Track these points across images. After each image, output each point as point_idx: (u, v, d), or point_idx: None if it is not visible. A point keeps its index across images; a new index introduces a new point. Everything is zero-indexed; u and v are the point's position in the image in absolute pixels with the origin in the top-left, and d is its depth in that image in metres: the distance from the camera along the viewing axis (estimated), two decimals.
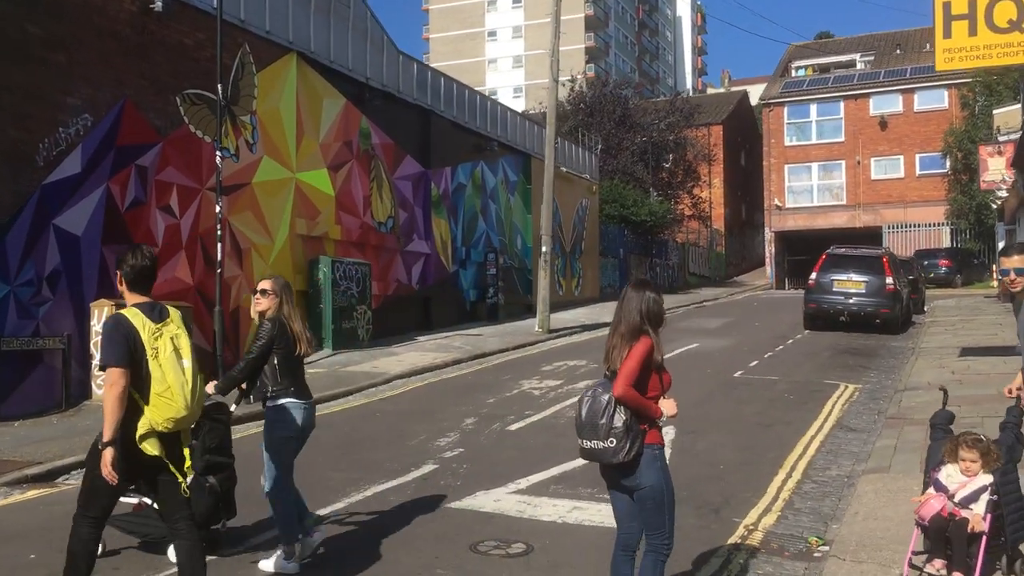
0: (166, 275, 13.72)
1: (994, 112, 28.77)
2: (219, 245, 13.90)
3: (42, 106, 11.86)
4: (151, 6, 13.43)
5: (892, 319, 20.20)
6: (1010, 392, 5.27)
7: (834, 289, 20.56)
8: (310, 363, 15.89)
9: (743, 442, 9.68)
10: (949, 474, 5.19)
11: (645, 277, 4.43)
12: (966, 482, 5.09)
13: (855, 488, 7.74)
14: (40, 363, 11.71)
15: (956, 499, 5.07)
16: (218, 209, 13.92)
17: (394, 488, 7.84)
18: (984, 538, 4.91)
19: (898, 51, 49.05)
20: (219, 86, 14.00)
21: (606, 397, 4.30)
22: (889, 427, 10.08)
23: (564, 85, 44.03)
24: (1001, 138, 26.01)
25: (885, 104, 45.54)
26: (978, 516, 4.97)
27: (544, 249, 21.42)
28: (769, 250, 47.90)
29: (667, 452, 9.16)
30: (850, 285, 20.46)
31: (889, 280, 20.12)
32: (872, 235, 44.58)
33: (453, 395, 13.04)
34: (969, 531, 4.95)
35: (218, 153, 13.98)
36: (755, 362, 15.71)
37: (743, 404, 11.88)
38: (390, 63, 20.12)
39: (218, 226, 13.89)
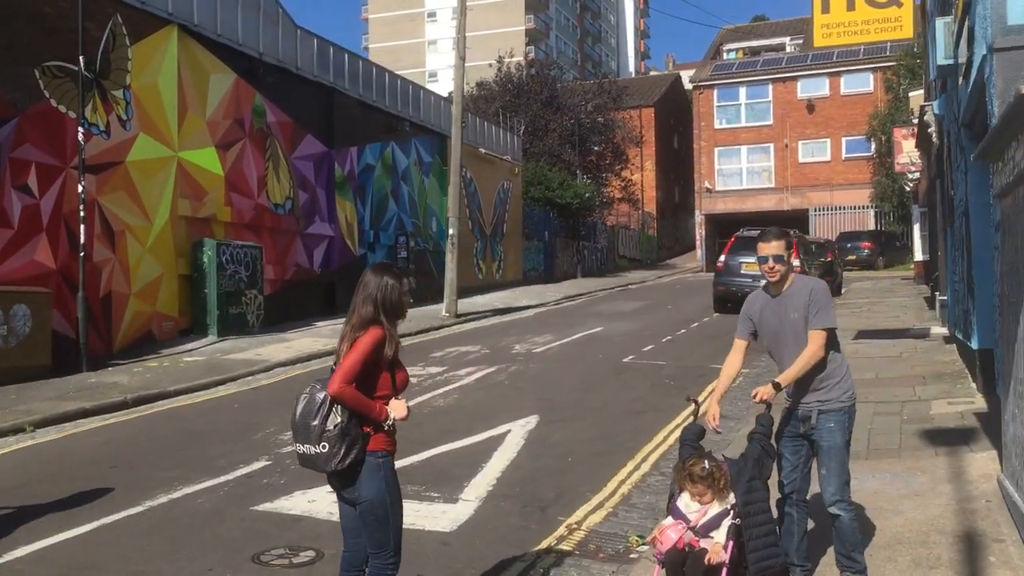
0: (23, 259, 12.93)
1: (910, 95, 28.82)
2: (82, 227, 13.11)
3: None
4: None
5: None
6: (757, 397, 4.56)
7: (742, 272, 20.37)
8: (190, 350, 15.29)
9: (604, 431, 9.29)
10: (687, 502, 4.54)
11: (388, 261, 3.85)
12: (705, 508, 4.47)
13: None
14: None
15: (696, 527, 4.45)
16: (80, 189, 13.12)
17: (209, 488, 7.28)
18: (724, 570, 4.28)
19: None
20: (80, 58, 13.17)
21: (322, 395, 3.80)
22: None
23: (491, 66, 43.54)
24: (914, 120, 26.06)
25: (812, 87, 45.73)
26: (718, 545, 4.35)
27: (451, 232, 20.87)
28: (699, 233, 47.91)
29: (520, 443, 8.91)
30: (757, 267, 20.25)
31: (796, 263, 19.94)
32: (799, 218, 44.85)
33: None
34: (707, 563, 4.30)
35: (80, 129, 13.17)
36: (651, 346, 15.40)
37: (622, 390, 11.50)
38: (287, 38, 19.35)
39: (81, 207, 13.09)
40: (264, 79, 18.59)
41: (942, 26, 9.76)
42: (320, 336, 17.10)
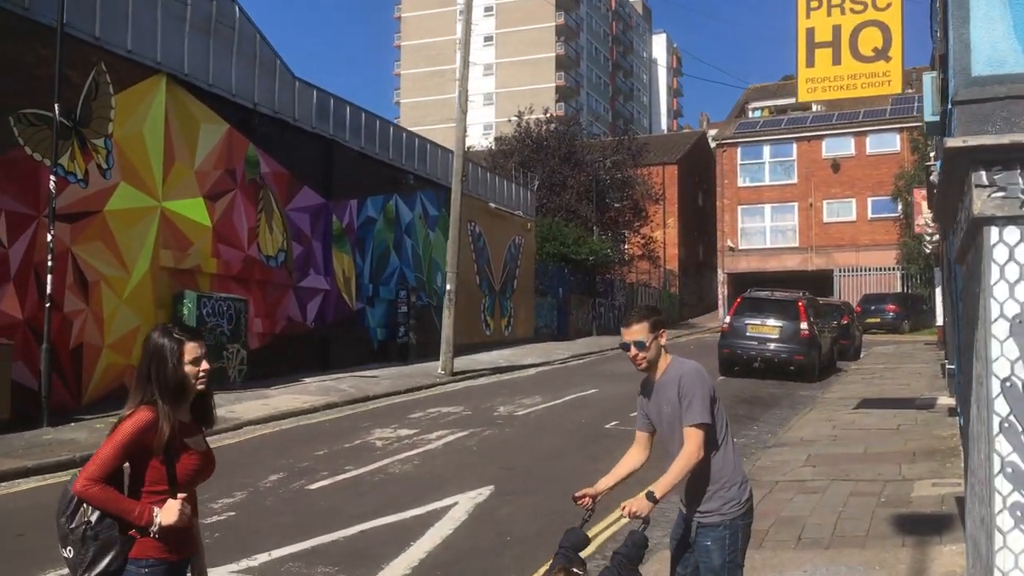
0: None
1: (931, 154, 28.20)
2: (49, 277, 12.76)
3: None
4: None
5: (807, 366, 19.27)
6: (626, 511, 3.81)
7: (748, 334, 19.65)
8: None
9: (557, 506, 8.56)
10: None
11: (168, 325, 3.13)
12: None
13: (644, 567, 6.67)
14: None
15: None
16: (49, 238, 12.79)
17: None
18: None
19: None
20: (55, 105, 12.91)
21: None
22: None
23: (509, 121, 43.48)
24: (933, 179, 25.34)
25: (838, 146, 45.12)
26: None
27: (448, 287, 20.39)
28: (722, 291, 47.08)
29: (462, 517, 8.25)
30: (765, 330, 19.56)
31: (804, 326, 19.23)
32: (824, 278, 43.95)
33: (289, 444, 11.91)
34: None
35: (52, 177, 12.89)
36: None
37: (591, 460, 10.76)
38: (284, 89, 19.18)
39: (49, 256, 12.75)
40: (259, 130, 18.38)
41: (928, 81, 9.20)
42: (304, 393, 16.59)
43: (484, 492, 9.04)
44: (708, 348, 27.74)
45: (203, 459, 3.35)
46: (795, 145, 46.12)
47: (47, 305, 12.71)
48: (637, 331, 4.02)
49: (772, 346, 19.39)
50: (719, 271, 47.84)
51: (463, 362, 22.65)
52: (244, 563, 6.73)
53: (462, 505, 8.52)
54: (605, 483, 4.21)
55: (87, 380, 14.27)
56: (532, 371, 22.33)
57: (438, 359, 21.60)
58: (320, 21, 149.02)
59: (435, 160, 25.71)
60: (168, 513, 3.14)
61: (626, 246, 44.53)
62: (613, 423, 13.39)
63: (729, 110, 55.15)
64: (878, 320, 36.12)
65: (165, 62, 15.91)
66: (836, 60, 10.41)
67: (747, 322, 19.71)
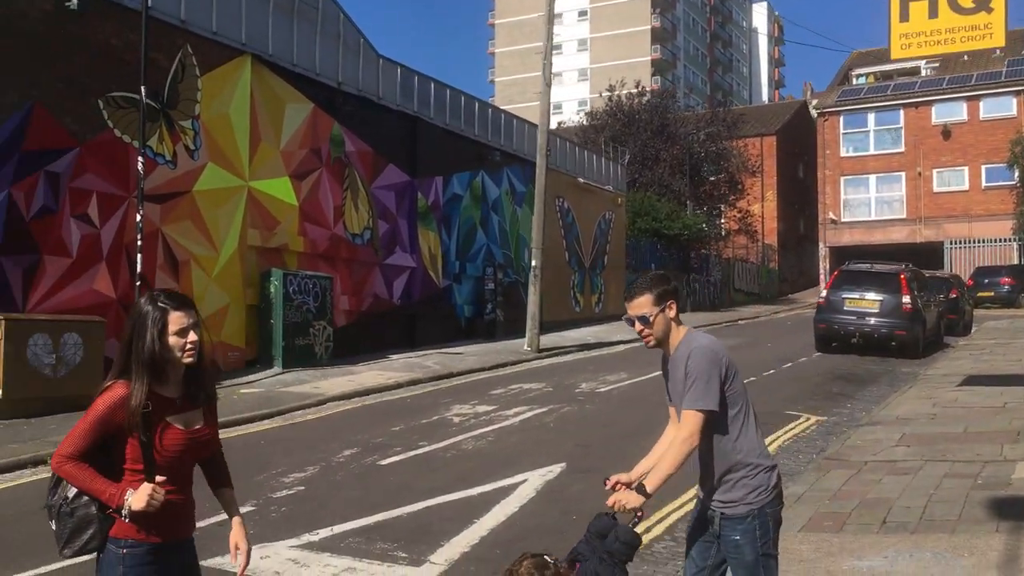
0: (82, 287, 13.01)
1: None
2: (139, 256, 13.10)
3: None
4: (66, 4, 12.75)
5: (909, 341, 18.37)
6: (615, 505, 3.42)
7: (845, 308, 18.83)
8: (251, 381, 15.10)
9: None
10: None
11: (157, 292, 2.96)
12: None
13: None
14: None
15: None
16: (138, 218, 13.14)
17: None
18: None
19: (965, 57, 46.22)
20: (142, 87, 13.21)
21: None
22: (816, 470, 8.62)
23: (600, 95, 42.83)
24: None
25: (948, 112, 42.96)
26: None
27: (534, 263, 20.18)
28: (823, 266, 45.54)
29: (530, 495, 8.06)
30: (864, 304, 18.71)
31: (906, 299, 18.31)
32: (934, 251, 42.09)
33: (368, 420, 11.95)
34: None
35: (140, 158, 13.20)
36: None
37: None
38: (367, 67, 19.22)
39: (138, 236, 13.10)
40: (343, 108, 18.46)
41: None
42: (389, 369, 16.68)
43: (555, 469, 8.84)
44: (806, 323, 26.75)
45: (189, 439, 3.11)
46: (902, 112, 44.12)
47: (137, 284, 13.05)
48: (641, 304, 3.61)
49: (872, 321, 18.55)
50: (820, 245, 46.28)
51: (550, 339, 22.47)
52: (306, 537, 6.70)
53: (531, 482, 8.34)
54: (643, 466, 3.76)
55: None
56: (620, 347, 21.98)
57: (525, 336, 21.44)
58: (413, 3, 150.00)
59: (522, 136, 25.47)
60: (139, 498, 2.93)
61: (722, 221, 43.49)
62: None
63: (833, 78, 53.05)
64: (991, 294, 34.27)
65: (250, 43, 16.10)
66: (932, 13, 9.74)
67: (845, 296, 18.89)
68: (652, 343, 3.68)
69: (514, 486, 8.21)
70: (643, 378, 15.57)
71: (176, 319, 3.06)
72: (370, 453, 9.70)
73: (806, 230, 53.31)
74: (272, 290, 16.01)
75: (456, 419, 11.82)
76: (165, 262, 14.41)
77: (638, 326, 3.65)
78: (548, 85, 20.44)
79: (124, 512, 2.94)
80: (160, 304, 3.07)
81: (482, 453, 9.78)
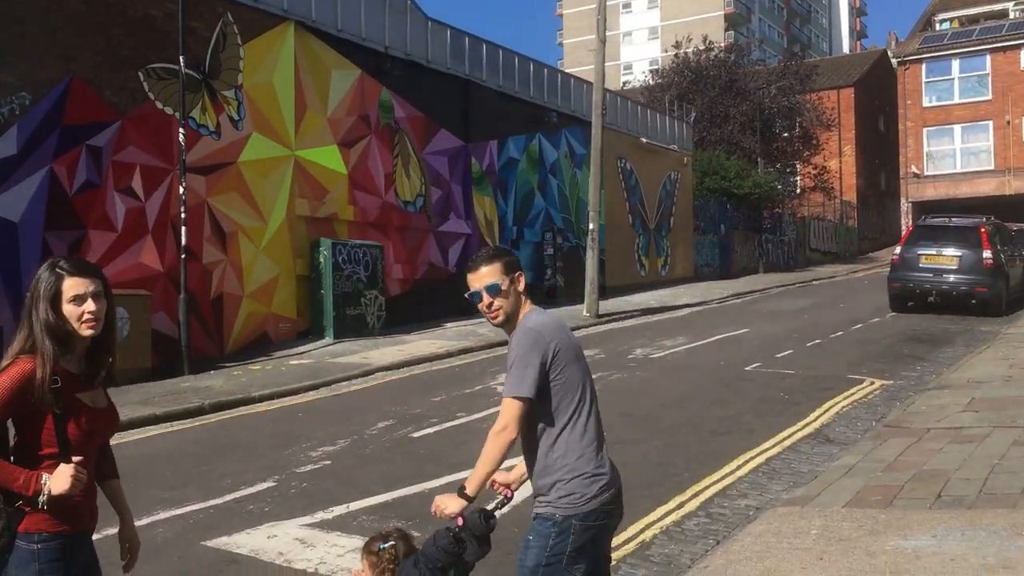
0: (128, 261, 13.01)
1: None
2: (183, 228, 13.04)
3: None
4: None
5: (991, 299, 17.33)
6: (436, 513, 3.09)
7: (921, 265, 17.84)
8: (301, 352, 14.98)
9: (669, 455, 7.87)
10: None
11: (58, 258, 2.62)
12: None
13: (745, 528, 5.90)
14: None
15: None
16: (182, 190, 13.06)
17: (183, 514, 6.57)
18: None
19: None
20: (181, 58, 13.08)
21: None
22: (873, 439, 8.03)
23: (666, 52, 41.58)
24: None
25: None
26: None
27: (591, 227, 19.63)
28: (906, 222, 43.67)
29: None
30: (941, 260, 17.69)
31: (987, 254, 17.23)
32: None
33: (411, 390, 11.69)
34: None
35: (181, 130, 13.09)
36: (789, 352, 13.54)
37: (720, 405, 9.93)
38: (416, 30, 18.81)
39: (182, 208, 13.03)
40: (392, 73, 18.11)
41: None
42: (441, 338, 16.42)
43: None
44: (881, 283, 25.75)
45: (97, 417, 2.83)
46: (989, 57, 41.74)
47: (183, 256, 13.01)
48: (487, 274, 3.19)
49: (950, 278, 17.53)
50: (902, 200, 44.35)
51: (613, 303, 21.97)
52: (319, 515, 6.44)
53: None
54: (522, 466, 3.37)
55: (228, 329, 14.61)
56: (684, 311, 21.34)
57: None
58: None
59: (580, 96, 24.80)
60: (59, 480, 2.64)
61: (796, 178, 42.02)
62: (755, 365, 12.40)
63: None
64: None
65: (292, 9, 15.83)
66: None
67: (920, 252, 17.89)
68: (500, 317, 3.23)
69: None
70: (701, 343, 15.00)
71: (72, 285, 2.75)
72: (405, 425, 9.42)
73: (888, 185, 51.25)
74: (321, 260, 15.86)
75: (500, 388, 11.43)
76: (212, 234, 14.34)
77: (486, 298, 3.20)
78: (603, 41, 19.72)
79: (42, 499, 2.63)
80: (57, 270, 2.77)
81: None
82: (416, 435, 9.00)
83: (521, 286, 3.25)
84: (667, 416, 9.47)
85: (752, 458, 7.70)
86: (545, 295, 22.51)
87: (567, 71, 24.11)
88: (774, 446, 8.09)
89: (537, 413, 3.14)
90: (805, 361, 12.58)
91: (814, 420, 9.02)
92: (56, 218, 12.10)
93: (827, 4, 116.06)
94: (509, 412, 3.10)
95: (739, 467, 7.46)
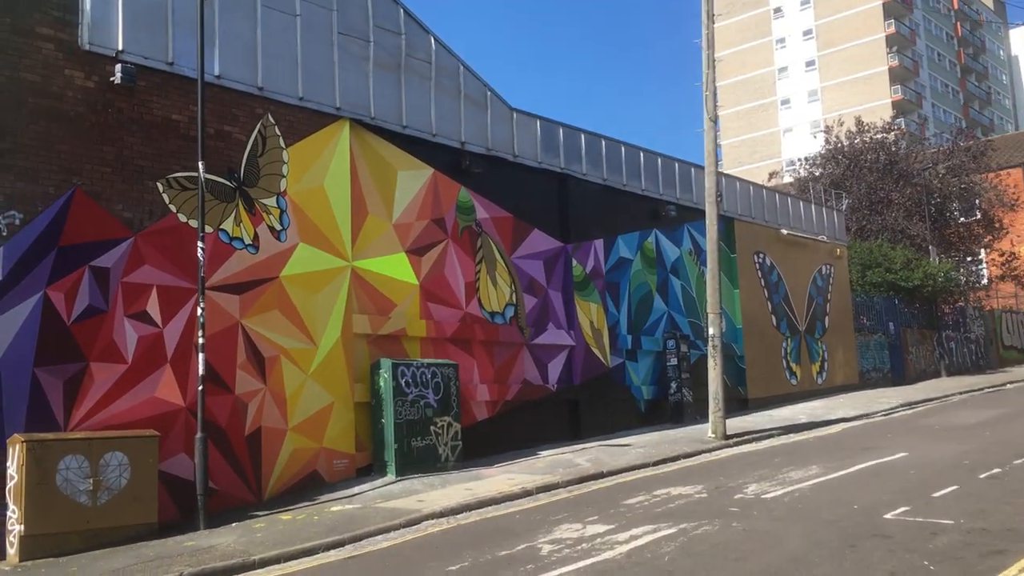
0: (140, 396, 11.33)
1: None
2: (200, 356, 11.27)
3: None
4: (111, 79, 11.46)
5: None
6: None
7: None
8: (352, 495, 12.75)
9: None
10: None
11: None
12: None
13: None
14: None
15: None
16: (200, 311, 11.36)
17: None
18: None
19: None
20: (200, 164, 11.57)
21: None
22: None
23: (815, 137, 38.26)
24: None
25: None
26: None
27: (711, 332, 16.72)
28: None
29: None
30: None
31: None
32: None
33: (445, 548, 9.16)
34: None
35: (200, 244, 11.49)
36: (952, 488, 10.13)
37: None
38: (499, 123, 16.95)
39: (199, 333, 11.30)
40: (471, 171, 16.24)
41: None
42: (527, 471, 13.83)
43: None
44: None
45: None
46: None
47: (200, 388, 11.19)
48: None
49: None
50: None
51: (752, 420, 18.77)
52: None
53: None
54: None
55: (268, 470, 12.62)
56: (837, 428, 17.81)
57: (733, 416, 17.86)
58: (629, 85, 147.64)
59: (702, 187, 22.11)
60: None
61: (982, 267, 37.15)
62: (899, 511, 9.11)
63: None
64: None
65: (346, 107, 14.31)
66: None
67: None
68: None
69: None
70: (836, 475, 11.74)
71: None
72: None
73: None
74: (381, 384, 13.78)
75: (546, 549, 8.76)
76: (248, 360, 12.56)
77: None
78: (713, 120, 17.23)
79: None
80: None
81: None
82: None
83: None
84: None
85: None
86: (671, 413, 19.55)
87: (678, 158, 21.54)
88: None
89: None
90: (973, 505, 9.18)
91: None
92: (50, 351, 10.59)
93: (1009, 85, 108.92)
94: None
95: None
